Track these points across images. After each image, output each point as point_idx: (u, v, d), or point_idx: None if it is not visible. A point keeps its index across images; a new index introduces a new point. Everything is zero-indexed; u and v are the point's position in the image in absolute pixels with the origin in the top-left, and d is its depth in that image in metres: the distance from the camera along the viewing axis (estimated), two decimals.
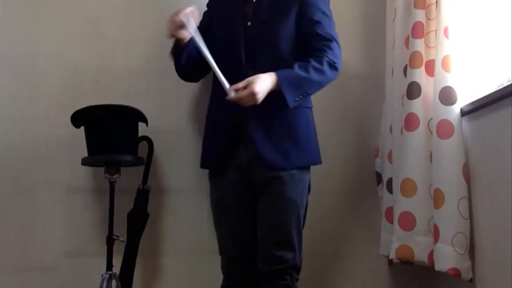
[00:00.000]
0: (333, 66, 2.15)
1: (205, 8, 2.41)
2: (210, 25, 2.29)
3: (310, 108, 2.27)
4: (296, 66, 2.09)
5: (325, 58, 2.13)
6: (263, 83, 2.03)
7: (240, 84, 2.02)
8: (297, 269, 2.16)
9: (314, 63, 2.11)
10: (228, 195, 2.20)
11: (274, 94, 2.06)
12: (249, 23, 2.20)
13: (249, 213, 2.19)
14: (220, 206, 2.24)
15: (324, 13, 2.21)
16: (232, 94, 2.02)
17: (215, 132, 2.25)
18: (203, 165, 2.33)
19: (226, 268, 2.25)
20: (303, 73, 2.09)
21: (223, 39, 2.22)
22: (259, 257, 2.16)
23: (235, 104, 2.06)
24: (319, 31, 2.17)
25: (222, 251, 2.26)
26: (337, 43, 2.20)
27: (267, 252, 2.13)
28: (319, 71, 2.11)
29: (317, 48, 2.15)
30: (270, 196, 2.13)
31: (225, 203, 2.21)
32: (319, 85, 2.15)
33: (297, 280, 2.16)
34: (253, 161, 2.15)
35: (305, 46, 2.18)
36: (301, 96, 2.10)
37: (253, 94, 2.01)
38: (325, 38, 2.17)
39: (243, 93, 2.02)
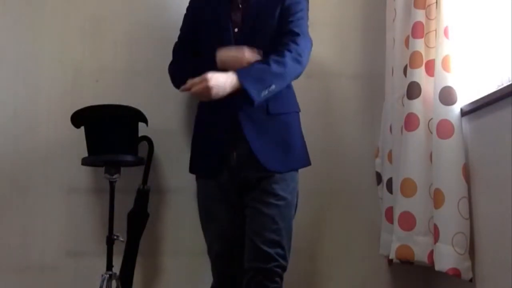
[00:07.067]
0: (296, 59, 2.12)
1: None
2: (193, 30, 2.28)
3: (298, 112, 2.27)
4: (255, 63, 2.09)
5: (286, 51, 2.10)
6: (217, 79, 2.01)
7: (196, 79, 2.03)
8: (285, 269, 2.14)
9: (273, 56, 2.09)
10: (215, 195, 2.21)
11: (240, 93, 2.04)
12: (236, 29, 2.19)
13: (236, 210, 2.20)
14: (208, 206, 2.26)
15: (299, 14, 2.19)
16: (187, 85, 2.05)
17: (209, 139, 2.23)
18: (195, 170, 2.32)
19: (214, 267, 2.26)
20: (262, 66, 2.07)
21: (211, 47, 2.17)
22: (247, 256, 2.13)
23: (229, 107, 2.09)
24: (289, 28, 2.16)
25: (209, 251, 2.27)
26: (306, 38, 2.19)
27: (256, 249, 2.10)
28: (279, 63, 2.08)
29: (281, 43, 2.14)
30: (261, 193, 2.13)
31: (212, 202, 2.23)
32: (282, 78, 2.11)
33: (283, 280, 2.14)
34: (245, 160, 2.15)
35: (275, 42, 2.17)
36: (266, 91, 2.05)
37: (207, 88, 2.01)
38: (292, 33, 2.15)
39: (198, 86, 2.02)
